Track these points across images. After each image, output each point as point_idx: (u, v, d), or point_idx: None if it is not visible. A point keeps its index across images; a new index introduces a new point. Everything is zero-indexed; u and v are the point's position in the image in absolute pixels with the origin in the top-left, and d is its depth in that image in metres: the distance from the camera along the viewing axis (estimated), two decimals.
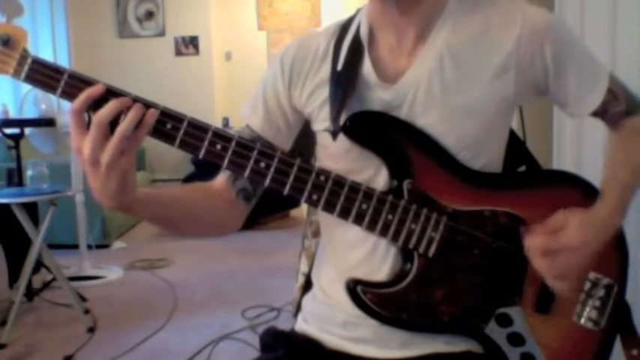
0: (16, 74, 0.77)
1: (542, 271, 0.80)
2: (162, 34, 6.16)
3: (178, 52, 6.18)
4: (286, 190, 0.82)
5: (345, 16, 0.99)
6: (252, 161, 0.80)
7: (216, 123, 5.93)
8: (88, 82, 0.76)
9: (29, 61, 0.76)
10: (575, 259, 0.80)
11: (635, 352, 0.92)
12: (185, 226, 0.94)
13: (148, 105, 0.77)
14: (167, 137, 0.78)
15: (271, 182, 0.81)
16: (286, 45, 0.99)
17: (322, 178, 0.82)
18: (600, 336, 0.91)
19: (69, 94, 0.76)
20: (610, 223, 0.84)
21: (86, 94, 0.74)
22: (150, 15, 6.16)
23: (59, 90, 0.76)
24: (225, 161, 0.80)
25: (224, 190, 0.95)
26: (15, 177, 3.02)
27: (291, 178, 0.81)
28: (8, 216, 2.70)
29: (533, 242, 0.79)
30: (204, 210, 0.94)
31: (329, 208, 0.83)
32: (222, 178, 0.95)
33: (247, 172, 0.81)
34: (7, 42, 0.76)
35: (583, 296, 0.88)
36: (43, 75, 0.76)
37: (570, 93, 0.89)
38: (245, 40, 6.34)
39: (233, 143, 0.80)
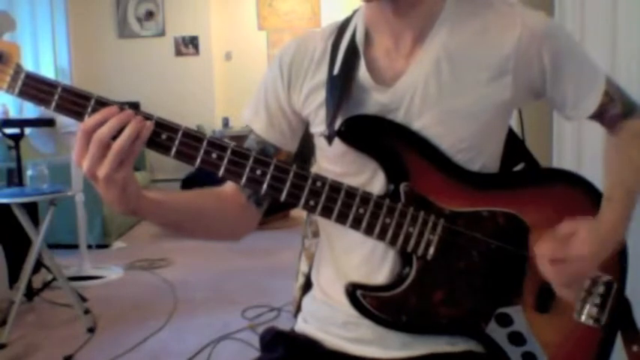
0: (9, 89, 0.77)
1: (550, 278, 0.83)
2: (162, 34, 6.16)
3: (178, 52, 6.18)
4: (283, 197, 0.82)
5: (344, 16, 0.98)
6: (247, 169, 0.80)
7: (217, 123, 5.95)
8: (82, 96, 0.76)
9: (22, 76, 0.77)
10: (583, 268, 0.84)
11: (635, 348, 0.93)
12: (196, 231, 0.95)
13: (143, 117, 0.77)
14: (162, 148, 0.78)
15: (268, 189, 0.81)
16: (284, 45, 0.99)
17: (319, 183, 0.82)
18: (601, 333, 0.91)
19: (63, 108, 0.76)
20: (616, 231, 0.87)
21: (101, 116, 0.74)
22: (150, 15, 6.15)
23: (53, 104, 0.76)
24: (222, 170, 0.80)
25: (234, 194, 0.95)
26: (15, 177, 3.03)
27: (288, 184, 0.82)
28: (8, 216, 2.70)
29: (542, 249, 0.83)
30: (215, 215, 0.94)
31: (326, 213, 0.83)
32: (232, 183, 0.95)
33: (244, 181, 0.81)
34: (0, 58, 0.76)
35: (583, 294, 0.88)
36: (37, 90, 0.76)
37: (568, 96, 0.89)
38: (245, 40, 6.34)
39: (228, 152, 0.80)
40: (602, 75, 0.91)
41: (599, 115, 0.92)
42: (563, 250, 0.81)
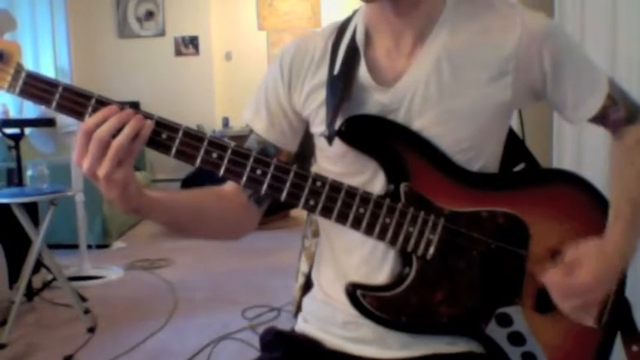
0: (10, 89, 0.77)
1: (566, 312, 0.85)
2: (162, 34, 6.15)
3: (178, 52, 6.17)
4: (283, 197, 0.82)
5: (345, 16, 0.98)
6: (248, 169, 0.81)
7: (217, 123, 5.95)
8: (82, 95, 0.76)
9: (23, 75, 0.77)
10: (592, 298, 0.85)
11: (635, 348, 0.93)
12: (197, 229, 0.95)
13: (143, 116, 0.77)
14: (163, 147, 0.78)
15: (268, 189, 0.81)
16: (285, 45, 0.99)
17: (319, 183, 0.82)
18: (601, 333, 0.91)
19: (64, 108, 0.77)
20: (624, 251, 0.86)
21: (102, 115, 0.74)
22: (150, 15, 6.15)
23: (54, 103, 0.76)
24: (222, 170, 0.80)
25: (235, 193, 0.95)
26: (15, 177, 3.02)
27: (288, 184, 0.82)
28: (8, 216, 2.70)
29: (552, 284, 0.84)
30: (215, 214, 0.94)
31: (326, 213, 0.83)
32: (232, 182, 0.96)
33: (244, 181, 0.81)
34: (1, 57, 0.76)
35: None
36: (38, 89, 0.77)
37: (568, 99, 0.89)
38: (245, 40, 6.34)
39: (229, 152, 0.80)
40: (605, 78, 0.90)
41: (601, 119, 0.91)
42: (571, 284, 0.83)
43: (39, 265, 2.99)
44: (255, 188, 0.82)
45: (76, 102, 0.76)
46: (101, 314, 2.81)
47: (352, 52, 0.90)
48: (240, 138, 1.01)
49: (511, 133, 0.97)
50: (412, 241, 0.85)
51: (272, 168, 0.81)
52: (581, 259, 0.84)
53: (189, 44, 6.16)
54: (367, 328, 0.90)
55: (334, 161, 0.91)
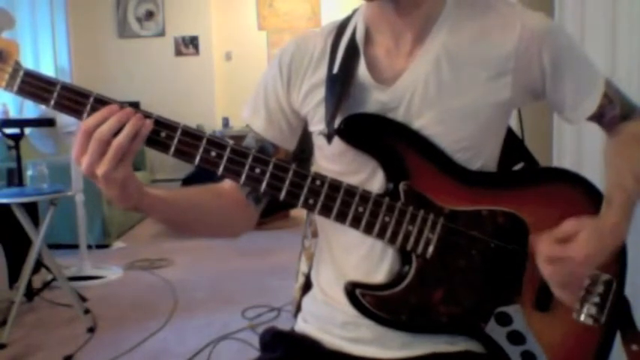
0: (8, 87, 0.77)
1: (547, 277, 0.82)
2: (162, 34, 6.16)
3: (178, 52, 6.18)
4: (282, 196, 0.82)
5: (344, 16, 0.98)
6: (247, 168, 0.80)
7: (217, 123, 5.95)
8: (81, 94, 0.76)
9: (21, 73, 0.77)
10: (580, 271, 0.82)
11: (634, 347, 0.93)
12: (197, 227, 0.96)
13: (143, 115, 0.77)
14: (161, 146, 0.78)
15: (267, 188, 0.81)
16: (284, 44, 0.99)
17: (318, 182, 0.82)
18: (601, 332, 0.91)
19: (62, 106, 0.77)
20: (616, 235, 0.85)
21: (102, 115, 0.74)
22: (150, 15, 6.15)
23: (52, 102, 0.76)
24: (221, 168, 0.80)
25: (234, 191, 0.96)
26: (15, 177, 3.03)
27: (287, 183, 0.82)
28: (8, 216, 2.70)
29: (540, 247, 0.81)
30: (214, 211, 0.94)
31: (325, 212, 0.83)
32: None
33: (243, 179, 0.81)
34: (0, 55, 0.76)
35: (582, 293, 0.88)
36: (36, 87, 0.77)
37: (567, 98, 0.89)
38: (245, 40, 6.34)
39: (227, 150, 0.80)
40: (602, 76, 0.91)
41: (598, 117, 0.92)
42: (561, 250, 0.80)
43: (39, 265, 2.99)
44: (254, 187, 0.82)
45: (75, 101, 0.76)
46: (101, 314, 2.81)
47: (352, 51, 0.90)
48: (241, 138, 1.01)
49: (510, 132, 0.97)
50: (411, 240, 0.85)
51: (271, 167, 0.81)
52: (578, 231, 0.80)
53: (190, 44, 6.16)
54: (366, 328, 0.90)
55: (333, 160, 0.91)
